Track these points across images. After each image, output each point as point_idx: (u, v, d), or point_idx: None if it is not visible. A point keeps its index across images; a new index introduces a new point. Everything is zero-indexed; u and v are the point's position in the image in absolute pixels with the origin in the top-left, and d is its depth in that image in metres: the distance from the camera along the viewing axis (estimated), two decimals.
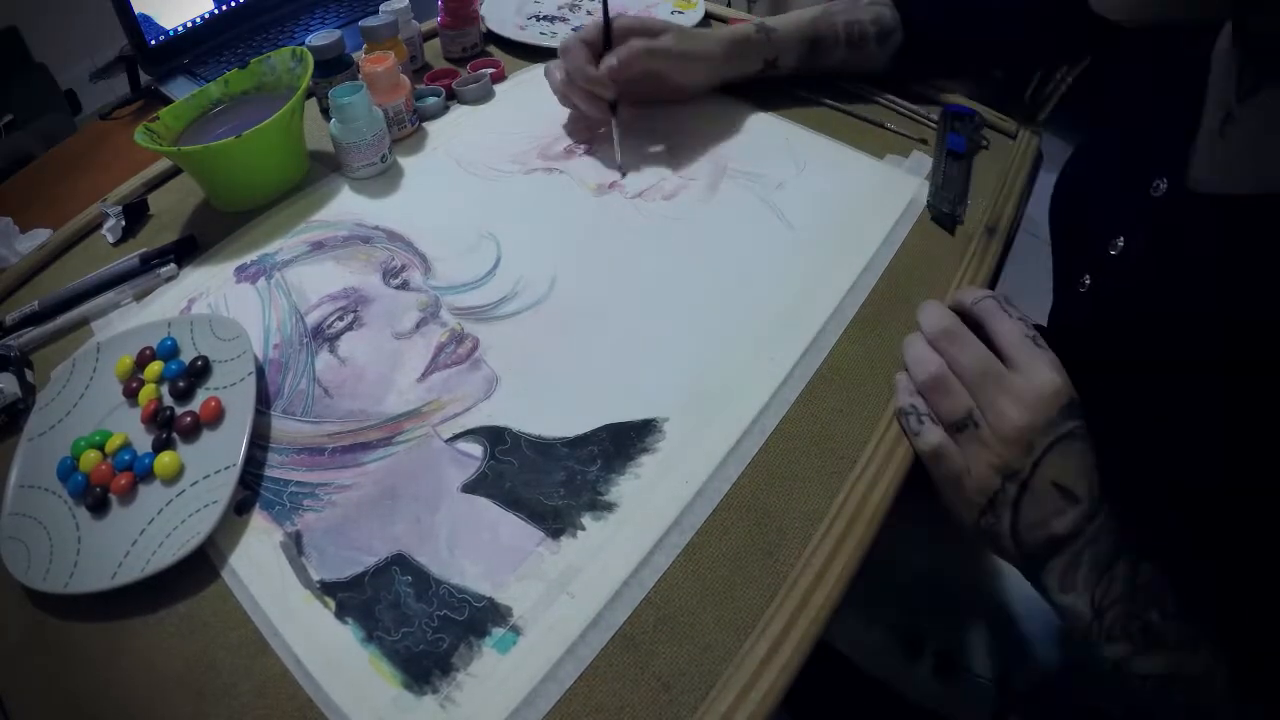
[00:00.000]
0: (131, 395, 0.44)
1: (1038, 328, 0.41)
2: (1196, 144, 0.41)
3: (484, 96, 0.71)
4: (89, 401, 0.45)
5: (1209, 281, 0.38)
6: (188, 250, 0.56)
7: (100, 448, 0.42)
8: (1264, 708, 0.35)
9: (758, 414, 0.44)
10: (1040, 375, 0.38)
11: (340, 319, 0.50)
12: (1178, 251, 0.40)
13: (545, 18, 0.82)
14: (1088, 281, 0.47)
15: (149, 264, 0.55)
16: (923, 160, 0.61)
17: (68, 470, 0.41)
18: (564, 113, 0.68)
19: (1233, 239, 0.37)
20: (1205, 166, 0.40)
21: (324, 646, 0.35)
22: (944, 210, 0.56)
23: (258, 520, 0.40)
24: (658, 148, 0.64)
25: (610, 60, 0.57)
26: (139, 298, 0.53)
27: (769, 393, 0.45)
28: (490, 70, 0.73)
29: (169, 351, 0.46)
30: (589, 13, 0.83)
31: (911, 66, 0.67)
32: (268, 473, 0.42)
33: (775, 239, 0.55)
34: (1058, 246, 0.55)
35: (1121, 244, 0.44)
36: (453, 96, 0.71)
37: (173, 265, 0.54)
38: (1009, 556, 0.40)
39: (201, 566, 0.38)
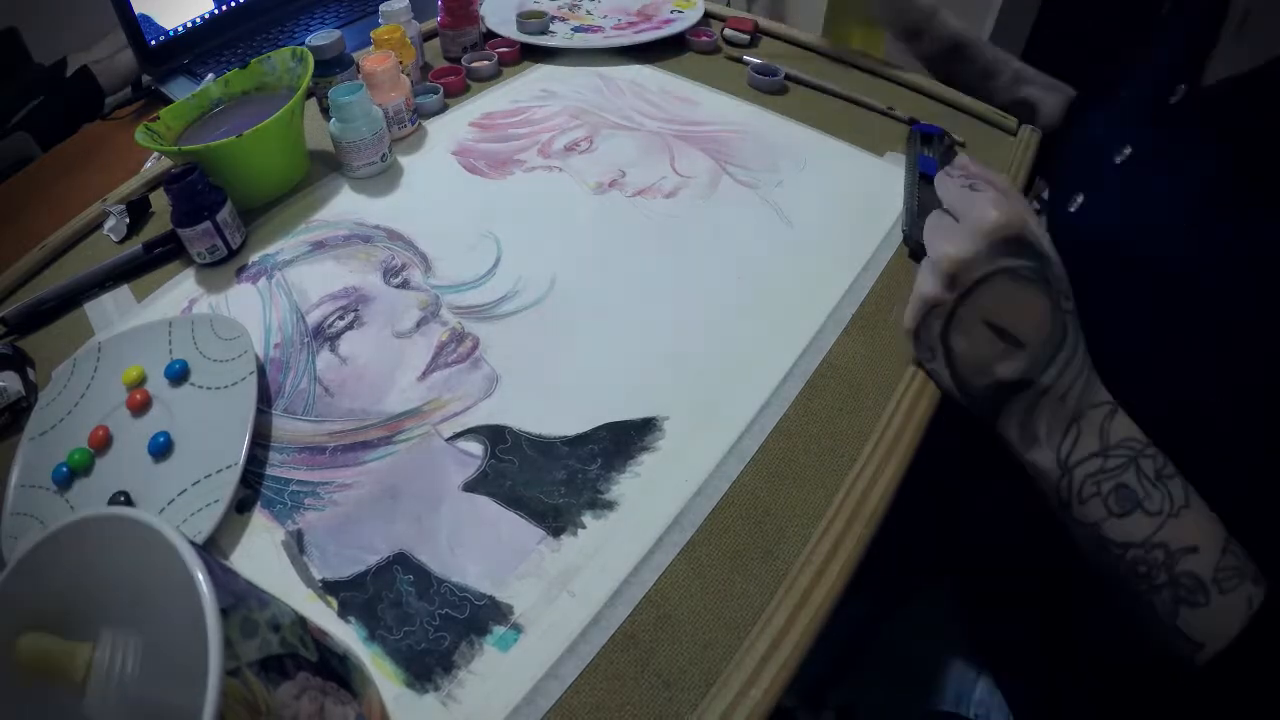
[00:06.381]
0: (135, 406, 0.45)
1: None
2: (1217, 48, 0.40)
3: (493, 75, 0.74)
4: (89, 402, 0.45)
5: (1211, 186, 0.37)
6: None
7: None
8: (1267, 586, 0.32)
9: (757, 412, 0.44)
10: (975, 212, 0.37)
11: (341, 318, 0.50)
12: (1189, 151, 0.39)
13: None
14: (1080, 200, 0.46)
15: (152, 251, 0.55)
16: None
17: (65, 478, 0.41)
18: (563, 111, 0.68)
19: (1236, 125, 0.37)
20: (1221, 65, 0.39)
21: None
22: (920, 241, 0.54)
23: (259, 519, 0.40)
24: (657, 146, 0.64)
25: None
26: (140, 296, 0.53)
27: (769, 391, 0.45)
28: (504, 49, 0.75)
29: (178, 373, 0.46)
30: (588, 12, 0.83)
31: None
32: (269, 471, 0.42)
33: (775, 237, 0.55)
34: (1057, 174, 0.54)
35: (1129, 152, 0.44)
36: (454, 93, 0.71)
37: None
38: (959, 401, 0.40)
39: None
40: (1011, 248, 0.36)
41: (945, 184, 0.42)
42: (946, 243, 0.37)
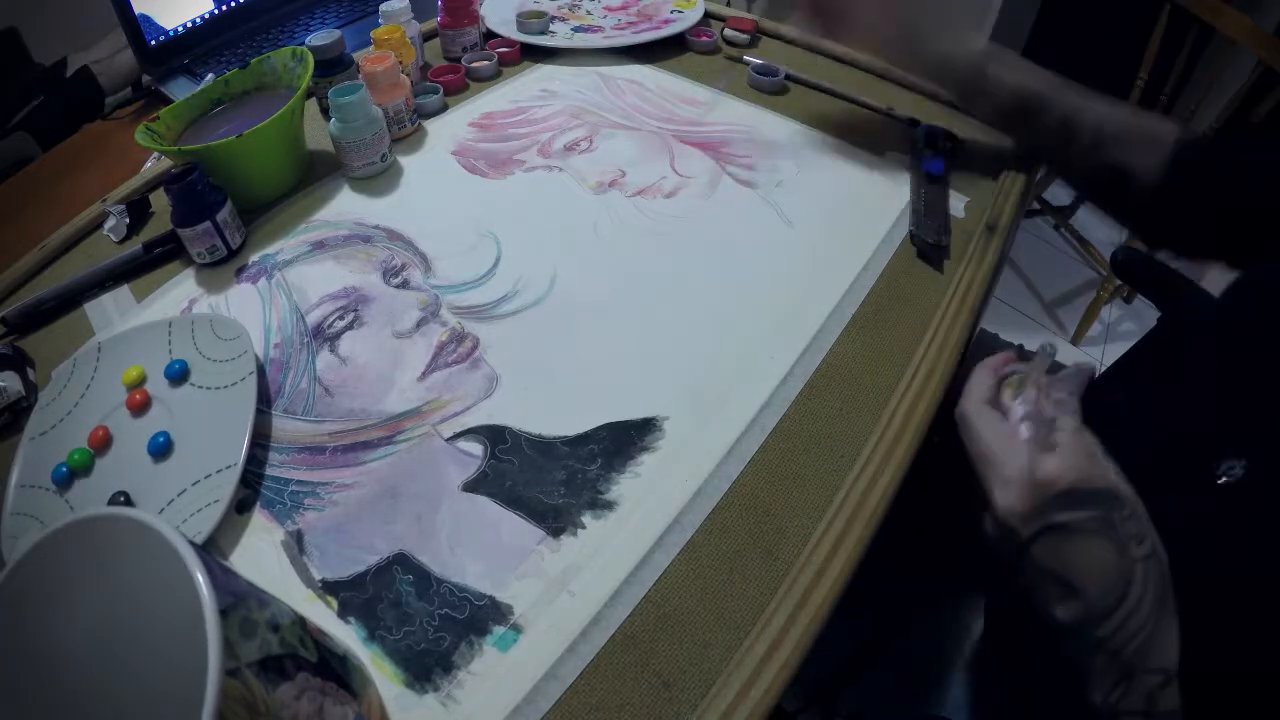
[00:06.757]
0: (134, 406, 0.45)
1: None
2: None
3: (493, 75, 0.74)
4: (89, 402, 0.45)
5: None
6: None
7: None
8: None
9: (757, 412, 0.44)
10: (1030, 461, 0.35)
11: (341, 318, 0.50)
12: None
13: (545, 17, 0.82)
14: (1239, 470, 0.35)
15: (152, 251, 0.55)
16: None
17: (65, 478, 0.41)
18: (563, 111, 0.68)
19: None
20: None
21: None
22: (929, 241, 0.53)
23: (259, 519, 0.40)
24: (657, 146, 0.64)
25: None
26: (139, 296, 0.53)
27: (768, 391, 0.45)
28: (504, 49, 0.75)
29: (178, 374, 0.46)
30: (588, 12, 0.83)
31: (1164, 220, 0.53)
32: (269, 471, 0.42)
33: (775, 237, 0.55)
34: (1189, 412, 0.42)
35: None
36: (455, 91, 0.71)
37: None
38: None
39: None
40: (1067, 500, 0.34)
41: (1032, 402, 0.37)
42: (1000, 491, 0.36)
